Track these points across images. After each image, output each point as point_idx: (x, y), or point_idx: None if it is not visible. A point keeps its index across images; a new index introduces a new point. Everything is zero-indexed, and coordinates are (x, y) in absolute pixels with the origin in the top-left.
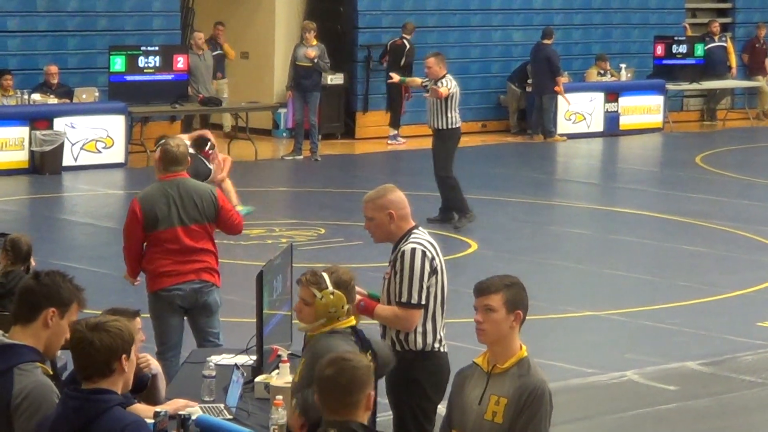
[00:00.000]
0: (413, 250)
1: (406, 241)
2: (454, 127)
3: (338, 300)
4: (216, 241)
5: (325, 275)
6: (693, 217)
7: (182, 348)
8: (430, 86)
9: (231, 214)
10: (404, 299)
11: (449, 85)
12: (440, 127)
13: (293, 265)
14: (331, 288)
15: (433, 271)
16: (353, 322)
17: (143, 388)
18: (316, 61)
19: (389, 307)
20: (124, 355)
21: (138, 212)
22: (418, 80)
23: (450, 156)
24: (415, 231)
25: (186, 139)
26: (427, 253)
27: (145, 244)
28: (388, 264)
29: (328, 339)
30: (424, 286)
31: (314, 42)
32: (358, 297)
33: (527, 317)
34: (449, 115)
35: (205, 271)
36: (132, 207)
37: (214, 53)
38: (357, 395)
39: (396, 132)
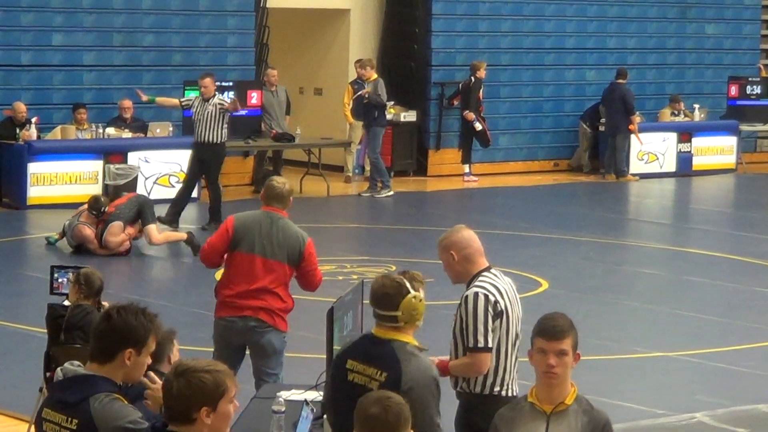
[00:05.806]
0: (475, 294)
1: (471, 285)
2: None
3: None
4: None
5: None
6: (766, 258)
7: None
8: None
9: (313, 268)
10: (471, 344)
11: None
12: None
13: (364, 301)
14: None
15: (497, 314)
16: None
17: None
18: (368, 96)
19: (459, 360)
20: (205, 408)
21: (229, 228)
22: (174, 100)
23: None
24: (483, 274)
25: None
26: (490, 297)
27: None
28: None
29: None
30: (490, 329)
31: (374, 77)
32: (435, 359)
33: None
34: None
35: (263, 311)
36: (225, 221)
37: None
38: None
39: (468, 170)
